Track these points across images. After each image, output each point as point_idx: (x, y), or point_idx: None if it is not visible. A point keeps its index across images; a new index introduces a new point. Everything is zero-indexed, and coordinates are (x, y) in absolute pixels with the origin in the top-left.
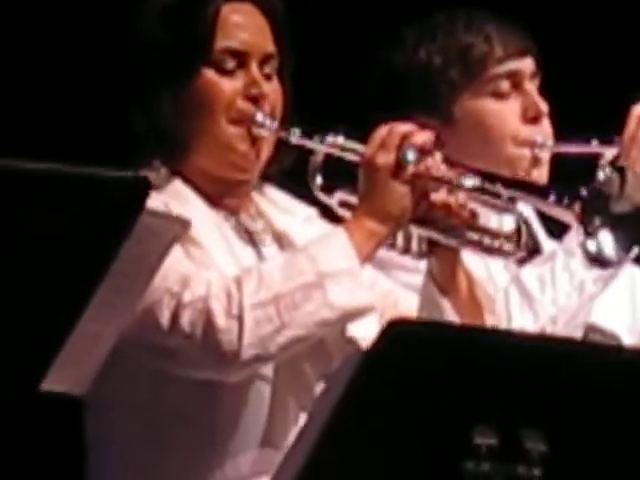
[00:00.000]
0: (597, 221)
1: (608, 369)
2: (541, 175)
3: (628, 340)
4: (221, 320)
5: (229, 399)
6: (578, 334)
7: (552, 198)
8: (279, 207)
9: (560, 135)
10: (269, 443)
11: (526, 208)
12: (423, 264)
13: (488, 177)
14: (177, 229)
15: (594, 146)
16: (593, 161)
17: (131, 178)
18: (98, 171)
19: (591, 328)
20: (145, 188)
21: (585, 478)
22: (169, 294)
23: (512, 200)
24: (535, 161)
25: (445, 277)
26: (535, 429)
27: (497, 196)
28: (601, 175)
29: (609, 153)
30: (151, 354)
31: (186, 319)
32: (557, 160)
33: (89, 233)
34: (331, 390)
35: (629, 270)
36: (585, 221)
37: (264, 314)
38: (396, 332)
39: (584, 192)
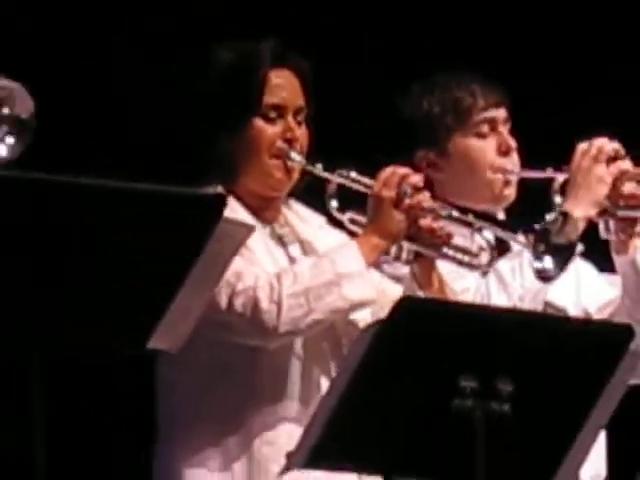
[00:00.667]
0: (542, 248)
1: (558, 333)
2: (511, 193)
3: (573, 312)
4: (265, 304)
5: (268, 363)
6: (539, 309)
7: (510, 230)
8: (299, 216)
9: (525, 164)
10: (300, 399)
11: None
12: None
13: (462, 210)
14: (245, 233)
15: (549, 172)
16: (548, 183)
17: (215, 195)
18: (192, 190)
19: (548, 304)
20: (224, 202)
21: (540, 411)
22: (227, 283)
23: (480, 229)
24: (506, 183)
25: (423, 278)
26: (505, 376)
27: (469, 224)
28: (550, 216)
29: (560, 178)
30: (213, 326)
31: (239, 302)
32: (522, 182)
33: (184, 235)
34: (355, 350)
35: (575, 262)
36: (534, 247)
37: (296, 302)
38: (406, 304)
39: (536, 227)
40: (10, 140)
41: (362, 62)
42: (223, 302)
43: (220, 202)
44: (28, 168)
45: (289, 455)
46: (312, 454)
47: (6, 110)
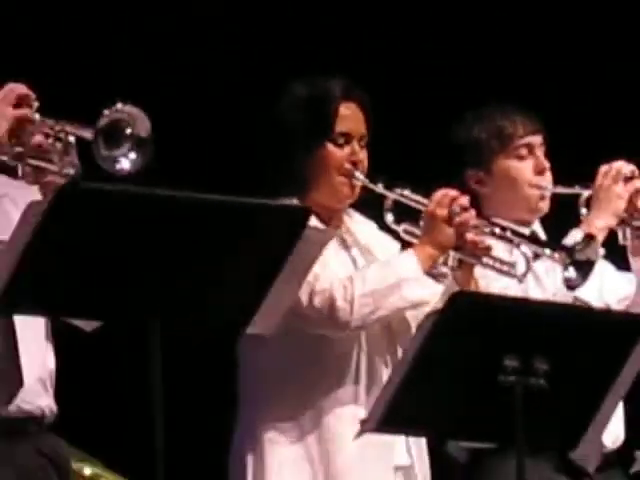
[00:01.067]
0: (568, 261)
1: (585, 321)
2: (545, 206)
3: (596, 304)
4: (340, 303)
5: (338, 351)
6: (568, 302)
7: (543, 245)
8: (357, 224)
9: (557, 181)
10: (363, 383)
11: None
12: None
13: (503, 227)
14: (327, 237)
15: (577, 189)
16: (575, 198)
17: (303, 207)
18: (285, 203)
19: (576, 299)
20: (309, 213)
21: (570, 386)
22: (307, 283)
23: (518, 244)
24: (541, 198)
25: (464, 281)
26: (542, 356)
27: (510, 240)
28: (576, 232)
29: (586, 194)
30: (295, 318)
31: (317, 300)
32: (555, 197)
33: (278, 240)
34: (418, 335)
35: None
36: (563, 261)
37: (365, 301)
38: (459, 298)
39: (565, 244)
40: (132, 156)
41: (416, 93)
42: (304, 299)
43: (306, 213)
44: (149, 181)
45: (362, 422)
46: (382, 421)
47: (128, 130)
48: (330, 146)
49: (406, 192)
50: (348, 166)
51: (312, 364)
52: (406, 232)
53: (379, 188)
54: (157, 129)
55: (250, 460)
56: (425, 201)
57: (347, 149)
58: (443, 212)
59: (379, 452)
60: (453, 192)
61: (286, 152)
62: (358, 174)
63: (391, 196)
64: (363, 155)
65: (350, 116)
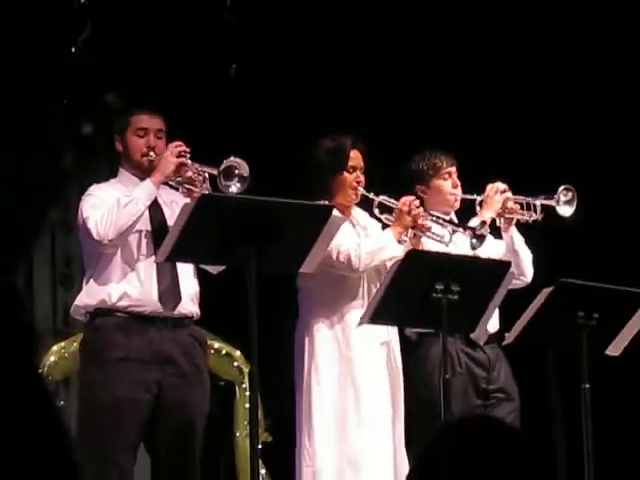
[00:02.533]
0: (473, 235)
1: (477, 264)
2: (457, 205)
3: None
4: (353, 258)
5: (352, 282)
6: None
7: (460, 226)
8: (359, 214)
9: (465, 191)
10: (365, 298)
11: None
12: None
13: (437, 217)
14: (342, 221)
15: (475, 196)
16: (473, 201)
17: (330, 206)
18: (323, 204)
19: (474, 254)
20: (333, 208)
21: (468, 300)
22: (335, 246)
23: (446, 225)
24: (455, 200)
25: (416, 244)
26: (455, 282)
27: (441, 224)
28: (476, 222)
29: (479, 198)
30: (329, 266)
31: (341, 257)
32: (463, 200)
33: (318, 222)
34: (391, 270)
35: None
36: (470, 235)
37: (366, 257)
38: (413, 254)
39: (471, 225)
40: (238, 185)
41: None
42: (333, 255)
43: (331, 208)
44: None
45: (360, 318)
46: (371, 317)
47: (237, 171)
48: (345, 173)
49: (386, 197)
50: (354, 184)
51: (339, 289)
52: (386, 219)
53: (372, 195)
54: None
55: (307, 340)
56: (396, 202)
57: (354, 175)
58: (405, 208)
59: (371, 333)
60: (411, 198)
61: (322, 177)
62: (360, 188)
63: (377, 199)
64: (362, 178)
65: (355, 157)
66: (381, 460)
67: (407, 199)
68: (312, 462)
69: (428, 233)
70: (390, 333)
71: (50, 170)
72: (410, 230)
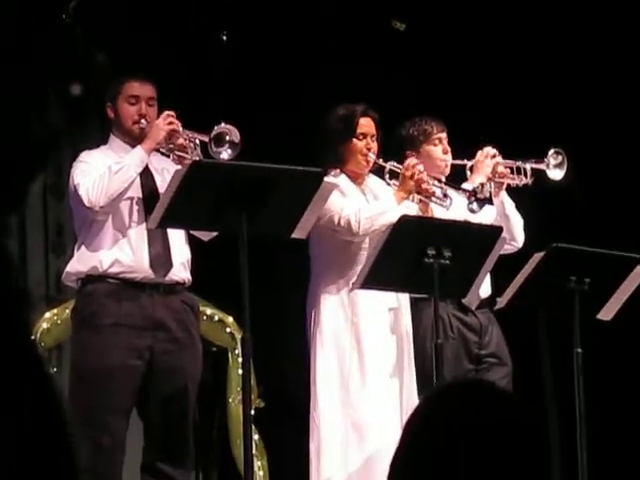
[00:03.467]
0: (472, 198)
1: (470, 229)
2: (448, 171)
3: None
4: (354, 223)
5: (355, 246)
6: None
7: (459, 189)
8: (372, 181)
9: (455, 157)
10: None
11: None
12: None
13: (440, 180)
14: (333, 187)
15: (465, 161)
16: (464, 166)
17: (322, 171)
18: (314, 169)
19: (466, 220)
20: (324, 175)
21: (459, 264)
22: (337, 210)
23: (445, 189)
24: (446, 166)
25: (423, 209)
26: (447, 247)
27: (442, 187)
28: (467, 184)
29: (470, 163)
30: (331, 231)
31: (342, 221)
32: (453, 165)
33: (311, 186)
34: (387, 231)
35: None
36: (468, 198)
37: (366, 222)
38: (404, 219)
39: (469, 188)
40: (229, 152)
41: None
42: (335, 220)
43: (323, 174)
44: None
45: (354, 282)
46: (363, 282)
47: (228, 138)
48: (355, 140)
49: (394, 163)
50: (365, 151)
51: (345, 254)
52: (394, 185)
53: (381, 162)
54: (249, 130)
55: (314, 305)
56: (401, 167)
57: (364, 142)
58: (408, 173)
59: (378, 298)
60: (414, 160)
61: (333, 143)
62: (371, 155)
63: (387, 166)
64: (374, 145)
65: (366, 124)
66: (385, 427)
67: (410, 163)
68: (317, 429)
69: (433, 198)
70: (400, 299)
71: (40, 131)
72: (416, 196)
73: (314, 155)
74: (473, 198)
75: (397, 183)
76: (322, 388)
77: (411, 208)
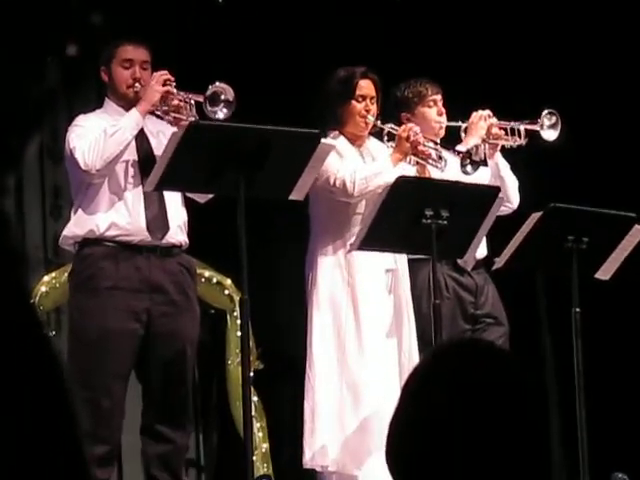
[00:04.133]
0: (465, 159)
1: (466, 190)
2: (443, 133)
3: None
4: (349, 184)
5: (352, 206)
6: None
7: (453, 151)
8: (371, 142)
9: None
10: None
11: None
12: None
13: (435, 142)
14: (330, 148)
15: (459, 122)
16: (458, 128)
17: (319, 133)
18: (311, 131)
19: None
20: (321, 136)
21: (457, 223)
22: (333, 172)
23: (440, 150)
24: (440, 127)
25: (421, 171)
26: (444, 209)
27: (437, 149)
28: (462, 145)
29: (464, 125)
30: (327, 192)
31: (338, 182)
32: (448, 127)
33: (309, 146)
34: (384, 192)
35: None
36: (462, 159)
37: (362, 182)
38: (401, 180)
39: (463, 150)
40: (225, 111)
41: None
42: (331, 181)
43: (320, 135)
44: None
45: (351, 243)
46: (361, 243)
47: (223, 97)
48: (353, 102)
49: (392, 125)
50: (364, 112)
51: (342, 215)
52: (391, 147)
53: (379, 124)
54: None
55: (312, 266)
56: (399, 129)
57: (363, 104)
58: (404, 134)
59: (375, 260)
60: (411, 124)
61: (332, 105)
62: (370, 117)
63: (386, 128)
64: (373, 107)
65: (365, 86)
66: (383, 386)
67: (407, 125)
68: (312, 389)
69: (429, 160)
70: (397, 261)
71: (37, 92)
72: (413, 158)
73: (313, 117)
74: (467, 160)
75: (394, 145)
76: (318, 349)
77: (408, 170)
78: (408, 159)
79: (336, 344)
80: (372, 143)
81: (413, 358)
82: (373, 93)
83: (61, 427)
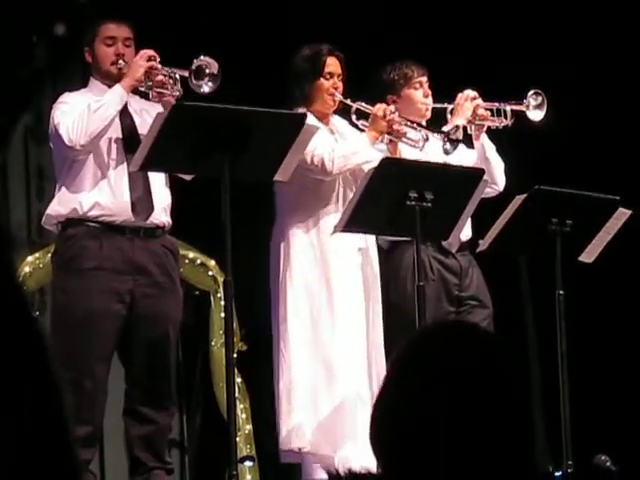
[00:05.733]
0: (446, 139)
1: (453, 173)
2: (429, 114)
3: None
4: (327, 161)
5: (327, 186)
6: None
7: (432, 130)
8: (337, 121)
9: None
10: (340, 201)
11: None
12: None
13: (412, 122)
14: (314, 129)
15: (445, 104)
16: (444, 109)
17: (303, 114)
18: (296, 112)
19: (446, 163)
20: (306, 116)
21: (441, 204)
22: (311, 150)
23: (420, 130)
24: (427, 110)
25: (392, 150)
26: (429, 190)
27: (415, 128)
28: (449, 127)
29: (450, 107)
30: (304, 170)
31: (316, 160)
32: (433, 109)
33: (292, 129)
34: (367, 175)
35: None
36: (443, 139)
37: (340, 160)
38: (386, 162)
39: (445, 130)
40: (210, 85)
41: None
42: (308, 159)
43: (305, 116)
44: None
45: (335, 226)
46: (345, 225)
47: (207, 70)
48: (322, 79)
49: (362, 103)
50: (332, 90)
51: (314, 193)
52: (362, 125)
53: (348, 102)
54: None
55: (282, 245)
56: (372, 108)
57: (331, 81)
58: (380, 113)
59: (347, 239)
60: (384, 105)
61: (299, 83)
62: (337, 94)
63: (354, 106)
64: (340, 84)
65: (332, 64)
66: (355, 364)
67: (382, 105)
68: (288, 367)
69: (404, 138)
70: (367, 240)
71: (23, 72)
72: (386, 136)
73: (281, 94)
74: (446, 139)
75: (366, 123)
76: (293, 327)
77: (380, 148)
78: (380, 137)
79: (310, 323)
80: (336, 120)
81: (378, 337)
82: (340, 70)
83: (48, 409)
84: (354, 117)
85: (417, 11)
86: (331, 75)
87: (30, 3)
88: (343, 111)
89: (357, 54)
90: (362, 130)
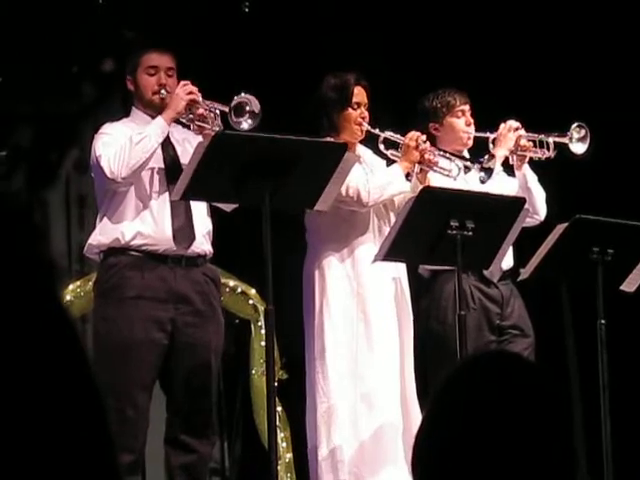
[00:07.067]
0: (482, 169)
1: (493, 202)
2: (470, 143)
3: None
4: (363, 193)
5: (362, 217)
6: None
7: (468, 160)
8: (362, 150)
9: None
10: (376, 233)
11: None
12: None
13: (445, 151)
14: (356, 159)
15: (488, 134)
16: (486, 139)
17: (344, 144)
18: (337, 142)
19: (487, 192)
20: (347, 146)
21: (483, 235)
22: (345, 183)
23: (454, 160)
24: (469, 138)
25: (422, 180)
26: (470, 219)
27: (449, 158)
28: (486, 157)
29: (492, 136)
30: (339, 202)
31: (351, 192)
32: (476, 138)
33: (334, 158)
34: (407, 206)
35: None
36: (479, 169)
37: (375, 191)
38: (427, 191)
39: (481, 160)
40: (249, 122)
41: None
42: (343, 191)
43: (346, 146)
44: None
45: (375, 255)
46: (384, 255)
47: (247, 108)
48: (349, 110)
49: (391, 132)
50: (359, 120)
51: (348, 225)
52: (392, 155)
53: (377, 131)
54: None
55: (317, 275)
56: (401, 138)
57: (359, 111)
58: (412, 143)
59: (381, 269)
60: (417, 133)
61: (327, 114)
62: (365, 124)
63: (383, 135)
64: (366, 114)
65: (359, 94)
66: (391, 396)
67: (414, 134)
68: (327, 398)
69: (435, 167)
70: (399, 269)
71: (70, 109)
72: (417, 165)
73: (307, 124)
74: (480, 168)
75: (396, 153)
76: (331, 359)
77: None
78: (412, 168)
79: (348, 356)
80: (361, 149)
81: (410, 367)
82: (366, 100)
83: (97, 434)
84: (382, 146)
85: (462, 39)
86: (358, 105)
87: (78, 38)
88: (366, 140)
89: (401, 82)
90: (390, 160)
